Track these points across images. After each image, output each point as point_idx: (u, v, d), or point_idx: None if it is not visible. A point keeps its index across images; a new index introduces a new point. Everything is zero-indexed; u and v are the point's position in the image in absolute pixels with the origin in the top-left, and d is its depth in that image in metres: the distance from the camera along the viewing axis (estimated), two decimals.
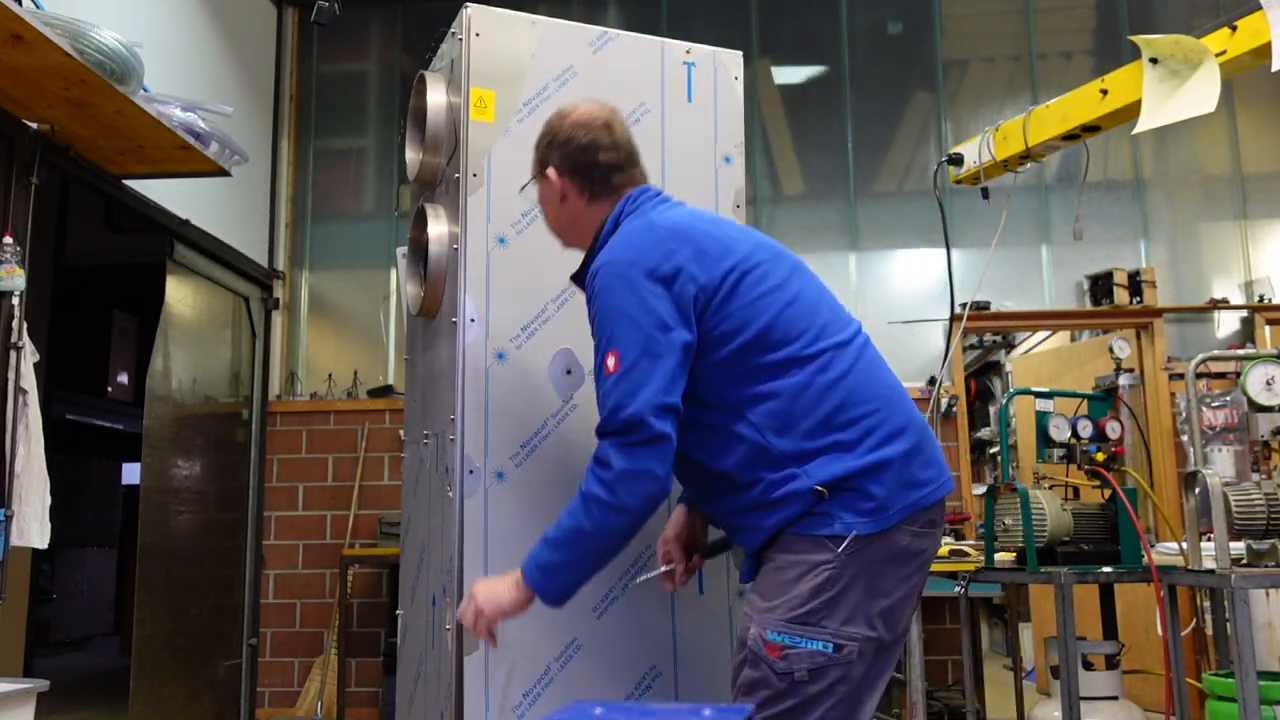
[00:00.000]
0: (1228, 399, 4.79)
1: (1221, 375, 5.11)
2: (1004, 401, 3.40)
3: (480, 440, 2.27)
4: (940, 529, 1.86)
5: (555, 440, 2.32)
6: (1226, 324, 5.54)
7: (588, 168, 1.99)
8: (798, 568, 1.75)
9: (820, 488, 1.73)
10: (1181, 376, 5.19)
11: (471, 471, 2.25)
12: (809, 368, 1.78)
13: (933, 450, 1.86)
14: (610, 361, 1.75)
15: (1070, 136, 2.97)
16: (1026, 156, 3.11)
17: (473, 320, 2.31)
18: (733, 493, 1.83)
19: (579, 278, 2.04)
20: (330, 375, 5.78)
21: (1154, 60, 2.62)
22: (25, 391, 3.38)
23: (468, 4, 2.50)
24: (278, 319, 5.80)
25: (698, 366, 1.80)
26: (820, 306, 1.87)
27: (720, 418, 1.80)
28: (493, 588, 1.86)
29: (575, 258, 2.14)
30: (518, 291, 2.34)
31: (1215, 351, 4.34)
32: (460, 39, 2.48)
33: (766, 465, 1.77)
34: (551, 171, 2.02)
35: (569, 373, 2.36)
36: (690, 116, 2.55)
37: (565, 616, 2.23)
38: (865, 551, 1.73)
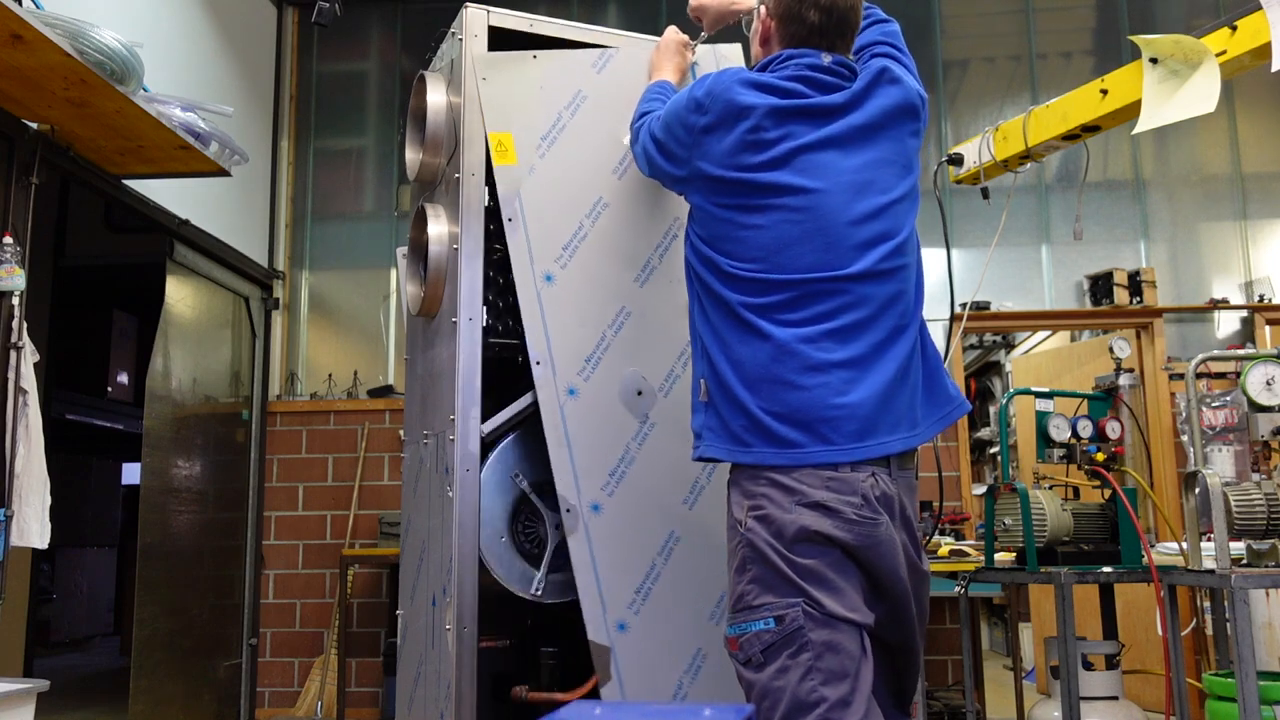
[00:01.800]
0: (1228, 399, 4.79)
1: (1221, 375, 5.11)
2: (1004, 401, 3.40)
3: (569, 478, 2.27)
4: (848, 517, 1.77)
5: (641, 461, 2.33)
6: (1226, 324, 5.54)
7: (793, 19, 1.99)
8: (728, 561, 1.86)
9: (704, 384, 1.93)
10: (1181, 376, 5.19)
11: (568, 510, 2.25)
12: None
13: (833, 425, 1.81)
14: (658, 115, 2.13)
15: (1070, 136, 2.96)
16: (1026, 156, 3.11)
17: (538, 363, 2.31)
18: None
19: None
20: (330, 375, 5.78)
21: (1154, 60, 2.61)
22: (25, 391, 3.37)
23: (468, 4, 2.50)
24: (278, 319, 5.80)
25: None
26: (803, 244, 1.87)
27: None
28: (665, 48, 2.47)
29: (622, 278, 2.21)
30: (574, 325, 2.35)
31: (1215, 351, 4.34)
32: (460, 39, 2.49)
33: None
34: (763, 10, 2.06)
35: (640, 394, 2.37)
36: None
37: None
38: (766, 526, 1.78)
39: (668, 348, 2.41)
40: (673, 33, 2.51)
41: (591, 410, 2.31)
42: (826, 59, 1.96)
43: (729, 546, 1.87)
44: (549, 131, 2.45)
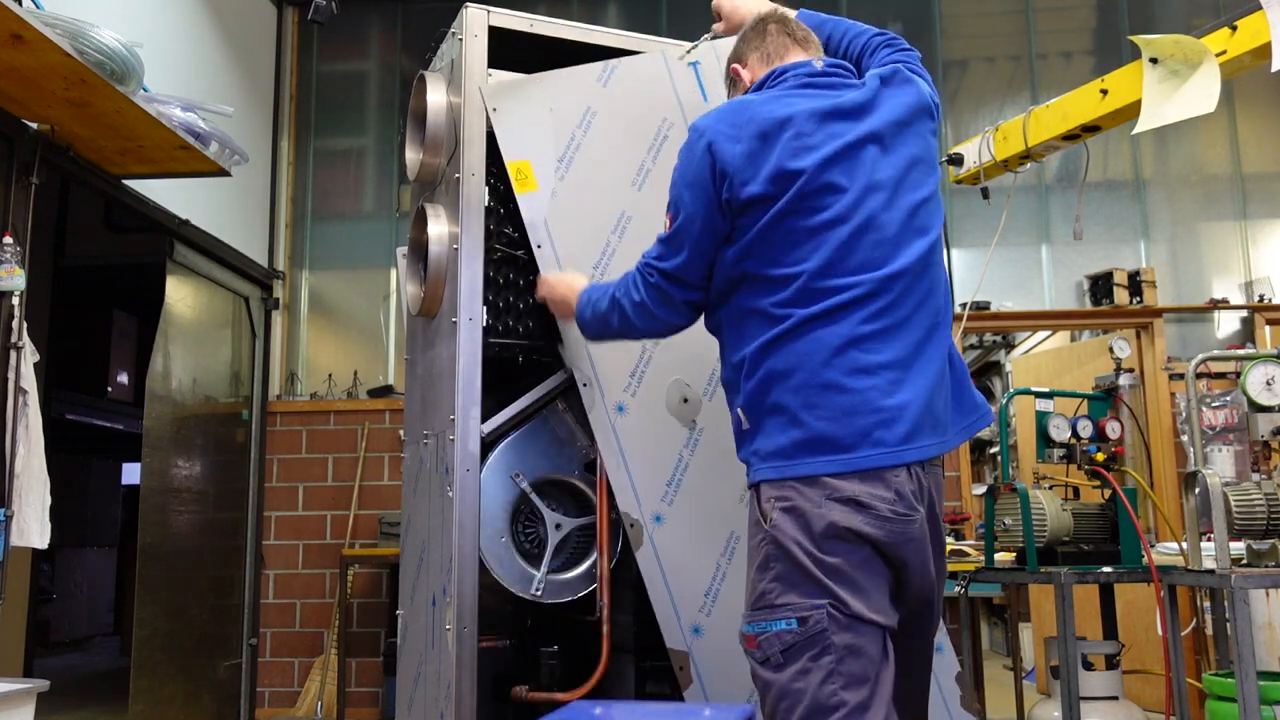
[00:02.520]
0: (1228, 399, 4.79)
1: (1221, 375, 5.11)
2: (1004, 401, 3.40)
3: (629, 493, 2.29)
4: (881, 514, 1.74)
5: (695, 468, 2.35)
6: (1226, 324, 5.54)
7: (760, 35, 2.03)
8: (749, 558, 1.82)
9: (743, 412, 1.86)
10: (1181, 376, 5.19)
11: (632, 525, 2.27)
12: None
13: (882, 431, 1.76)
14: (667, 220, 1.97)
15: (1070, 136, 2.97)
16: (1026, 156, 3.11)
17: (585, 385, 2.34)
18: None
19: None
20: (330, 375, 5.78)
21: (1154, 60, 2.62)
22: (25, 391, 3.37)
23: (468, 4, 2.50)
24: (278, 319, 5.80)
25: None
26: (856, 248, 1.81)
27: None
28: (557, 285, 2.25)
29: None
30: (616, 344, 2.34)
31: (1215, 351, 4.34)
32: (460, 39, 2.49)
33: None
34: (737, 66, 2.06)
35: (685, 401, 2.39)
36: None
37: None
38: (793, 521, 1.74)
39: (707, 352, 2.39)
40: (559, 279, 2.30)
41: (641, 424, 2.33)
42: (819, 64, 1.95)
43: (750, 543, 1.83)
44: (565, 152, 2.45)
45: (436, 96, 2.53)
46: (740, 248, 1.87)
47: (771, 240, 1.83)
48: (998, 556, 3.32)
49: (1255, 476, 2.90)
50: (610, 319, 2.07)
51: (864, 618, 1.70)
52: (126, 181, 4.25)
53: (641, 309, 2.00)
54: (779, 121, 1.84)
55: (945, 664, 2.43)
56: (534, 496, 2.41)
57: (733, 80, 2.11)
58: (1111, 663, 3.16)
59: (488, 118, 2.44)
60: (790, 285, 1.80)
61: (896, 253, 1.83)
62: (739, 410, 1.88)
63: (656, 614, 2.24)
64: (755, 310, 1.85)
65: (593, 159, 2.47)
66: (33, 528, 3.32)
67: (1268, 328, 5.48)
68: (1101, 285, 5.46)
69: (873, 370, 1.76)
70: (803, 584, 1.71)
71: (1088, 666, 3.12)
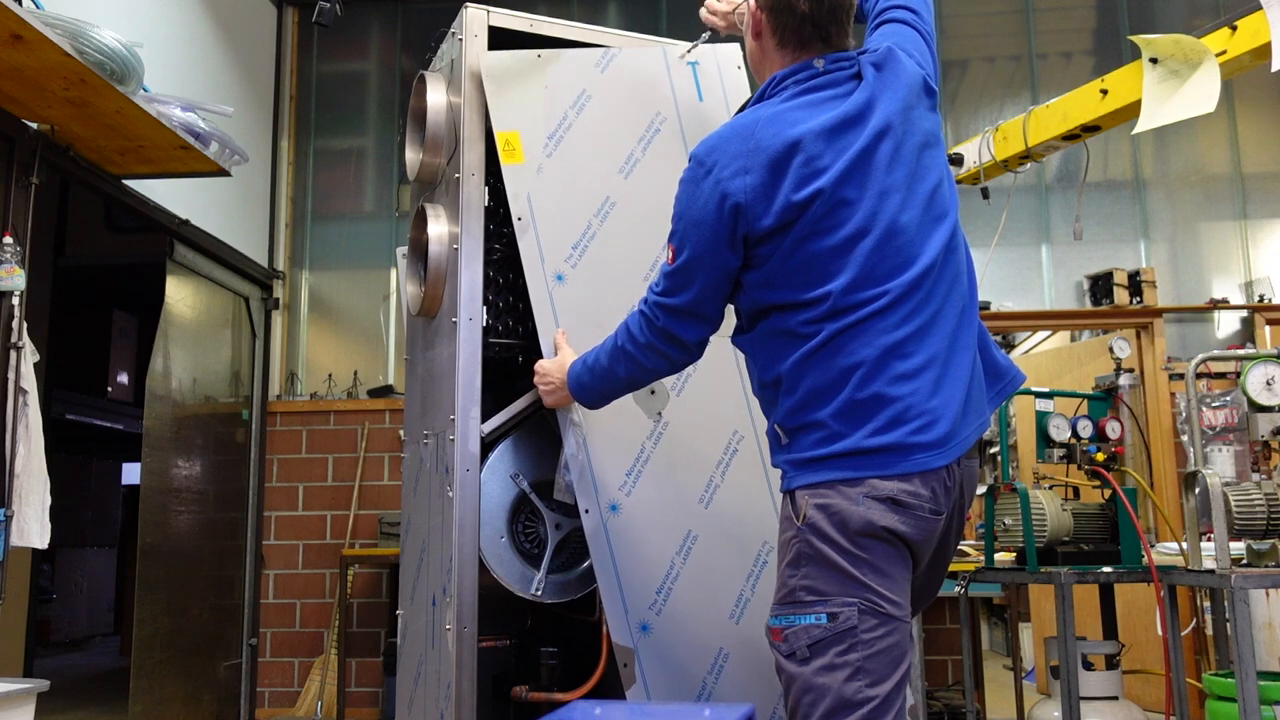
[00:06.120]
0: (1228, 399, 4.79)
1: (1221, 375, 5.11)
2: (1004, 401, 3.41)
3: (587, 480, 2.26)
4: (919, 513, 1.72)
5: (656, 460, 2.33)
6: (1226, 324, 5.54)
7: (783, 9, 1.89)
8: (779, 553, 1.79)
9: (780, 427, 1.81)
10: (1181, 376, 5.19)
11: (586, 511, 2.24)
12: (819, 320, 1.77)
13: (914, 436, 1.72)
14: (669, 253, 1.90)
15: (1070, 136, 2.97)
16: (1026, 156, 3.12)
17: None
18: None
19: None
20: (330, 375, 5.78)
21: (1154, 60, 2.62)
22: (25, 391, 3.38)
23: (468, 4, 2.50)
24: (278, 319, 5.80)
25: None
26: (882, 253, 1.76)
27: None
28: (546, 372, 2.22)
29: (632, 277, 2.09)
30: (587, 324, 2.33)
31: (1215, 351, 4.34)
32: (460, 39, 2.49)
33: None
34: (752, 2, 1.94)
35: (653, 393, 2.36)
36: (706, 114, 2.55)
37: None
38: (828, 518, 1.70)
39: None
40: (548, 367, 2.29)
41: (606, 411, 2.29)
42: (820, 64, 1.88)
43: (781, 538, 1.80)
44: (555, 131, 2.44)
45: (436, 97, 2.53)
46: (762, 274, 1.82)
47: (794, 266, 1.78)
48: (998, 556, 3.32)
49: (1255, 476, 2.90)
50: (615, 370, 2.01)
51: (893, 615, 1.70)
52: (127, 181, 4.25)
53: (651, 351, 1.95)
54: (788, 146, 1.78)
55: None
56: (534, 496, 2.41)
57: (747, 19, 1.97)
58: (1111, 663, 3.16)
59: (488, 117, 2.44)
60: (818, 306, 1.76)
61: (921, 250, 1.79)
62: (777, 426, 1.83)
63: (604, 606, 2.20)
64: (783, 330, 1.80)
65: (583, 141, 2.45)
66: (33, 528, 3.32)
67: (1268, 328, 5.48)
68: (1101, 285, 5.46)
69: (913, 375, 1.73)
70: (835, 581, 1.69)
71: (1088, 666, 3.12)
